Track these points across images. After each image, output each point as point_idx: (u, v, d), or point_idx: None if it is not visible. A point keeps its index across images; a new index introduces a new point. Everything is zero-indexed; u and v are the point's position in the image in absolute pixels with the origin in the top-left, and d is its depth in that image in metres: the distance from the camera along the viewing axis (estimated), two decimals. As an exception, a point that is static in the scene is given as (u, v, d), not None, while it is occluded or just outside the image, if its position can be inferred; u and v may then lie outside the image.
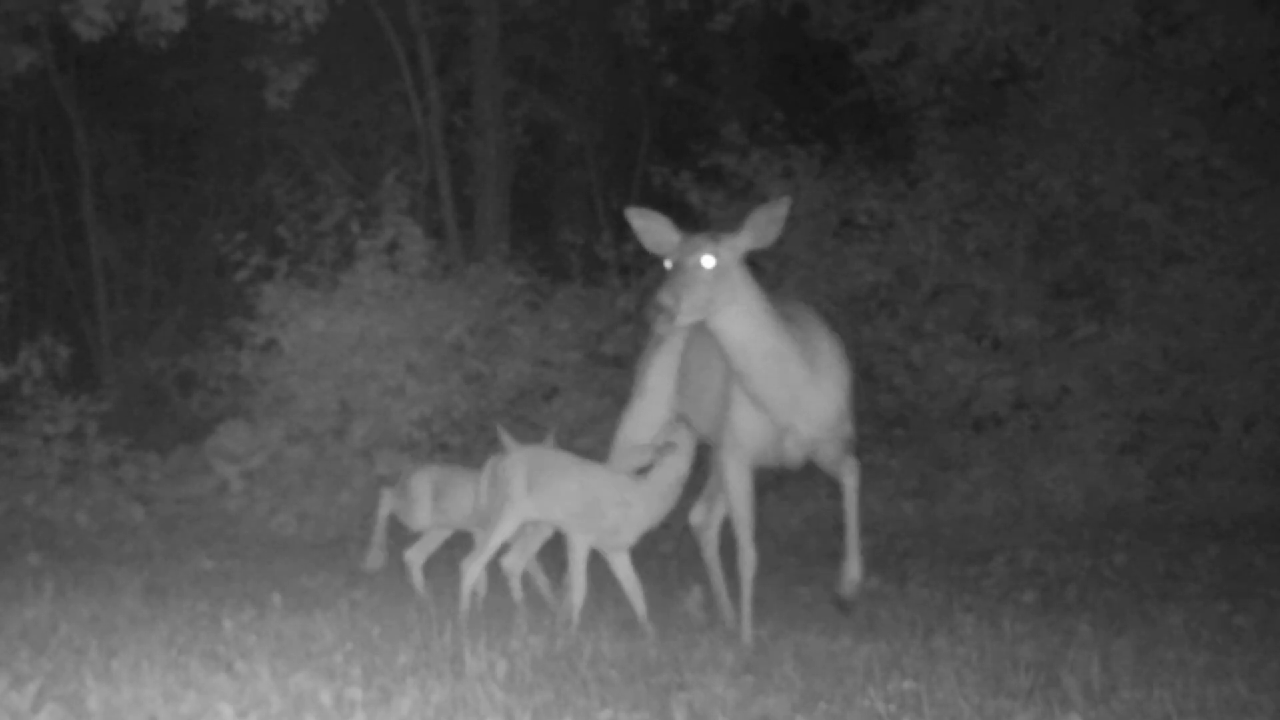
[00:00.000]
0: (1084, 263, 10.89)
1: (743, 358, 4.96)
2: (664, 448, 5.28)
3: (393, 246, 10.39)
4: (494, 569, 5.66)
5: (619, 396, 10.34)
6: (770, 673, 4.53)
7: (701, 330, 5.16)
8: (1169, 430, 10.21)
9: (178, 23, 9.93)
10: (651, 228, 5.04)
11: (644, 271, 10.89)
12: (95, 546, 8.20)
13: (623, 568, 5.38)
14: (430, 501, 5.88)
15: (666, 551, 7.38)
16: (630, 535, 5.36)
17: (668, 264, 4.95)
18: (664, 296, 4.83)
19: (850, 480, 5.22)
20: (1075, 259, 10.93)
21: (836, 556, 7.75)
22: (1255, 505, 9.41)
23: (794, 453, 5.19)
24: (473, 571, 5.33)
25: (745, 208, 10.74)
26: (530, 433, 10.07)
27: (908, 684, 4.29)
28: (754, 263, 11.12)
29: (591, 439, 9.82)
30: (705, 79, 15.74)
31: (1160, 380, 10.36)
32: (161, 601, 5.95)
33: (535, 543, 5.72)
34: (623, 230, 11.72)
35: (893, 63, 11.80)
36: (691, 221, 10.81)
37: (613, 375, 10.52)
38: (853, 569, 5.24)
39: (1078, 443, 10.01)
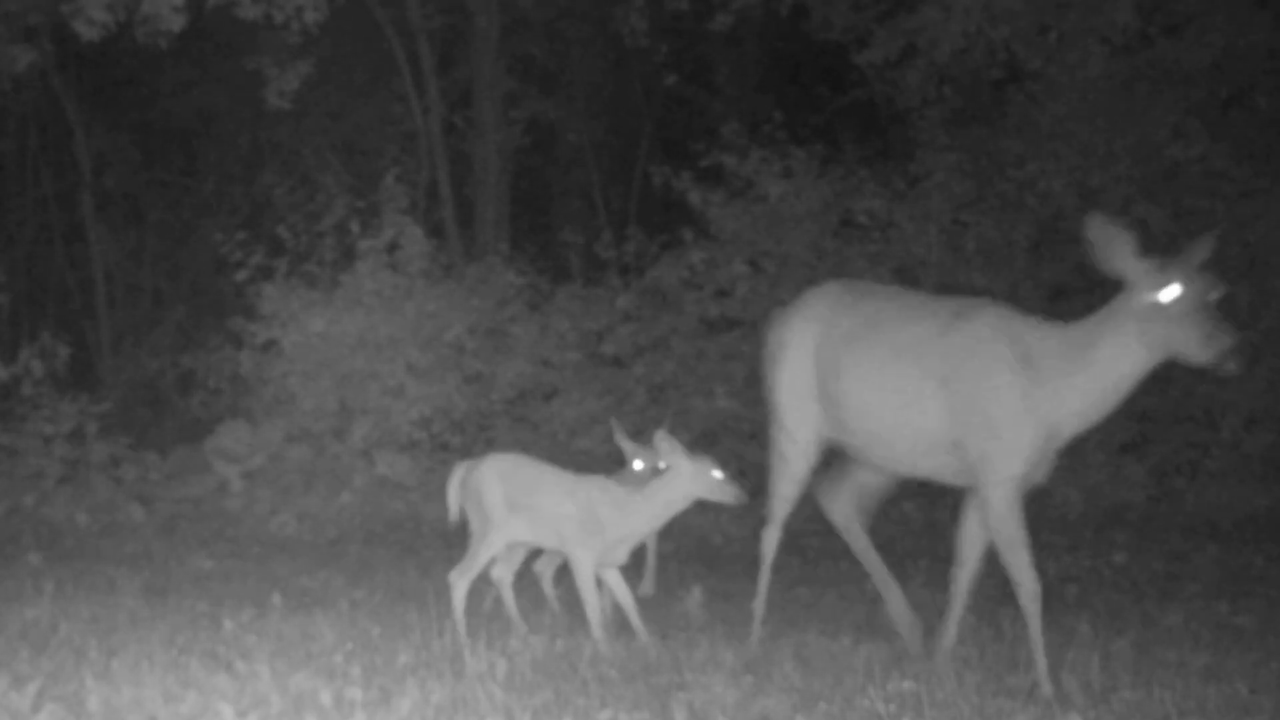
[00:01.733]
0: (1084, 263, 10.87)
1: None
2: (667, 466, 5.12)
3: (393, 246, 10.39)
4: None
5: (619, 396, 10.38)
6: (770, 673, 4.53)
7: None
8: (1169, 430, 10.20)
9: (178, 23, 9.93)
10: (1111, 242, 4.70)
11: (644, 272, 10.90)
12: (95, 546, 8.20)
13: (616, 583, 5.28)
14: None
15: (666, 551, 7.37)
16: (625, 551, 5.23)
17: (1207, 295, 4.58)
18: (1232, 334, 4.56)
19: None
20: (1075, 259, 10.91)
21: (836, 557, 7.79)
22: (1255, 505, 9.40)
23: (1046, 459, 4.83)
24: (461, 585, 5.19)
25: (745, 207, 10.80)
26: (531, 433, 10.10)
27: (908, 684, 4.30)
28: (754, 263, 11.13)
29: (591, 439, 9.82)
30: (705, 79, 15.74)
31: (1160, 380, 10.33)
32: (161, 601, 5.96)
33: (522, 553, 5.66)
34: (622, 230, 11.81)
35: (893, 63, 11.79)
36: (691, 221, 10.83)
37: (613, 375, 10.52)
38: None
39: (1078, 443, 9.96)
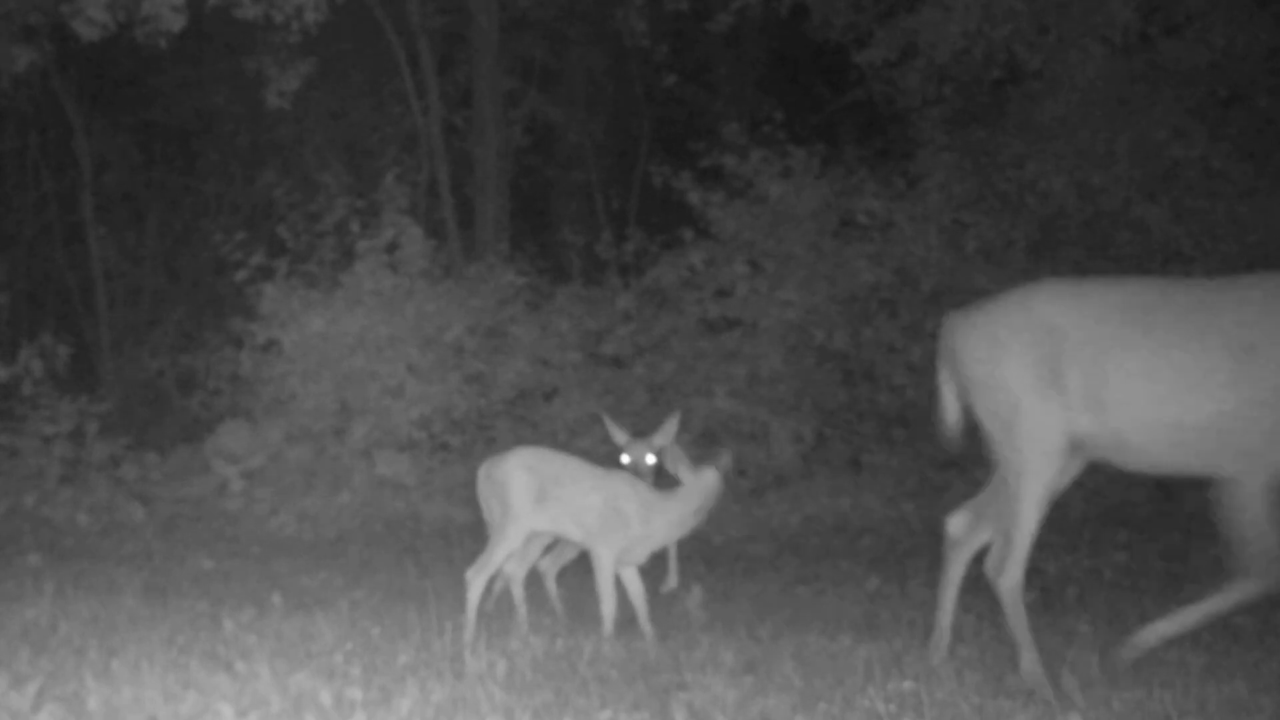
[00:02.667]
0: (1084, 263, 10.89)
1: None
2: (702, 471, 5.19)
3: (393, 246, 10.40)
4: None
5: (619, 396, 10.38)
6: (770, 673, 4.52)
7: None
8: (1169, 430, 10.18)
9: (178, 23, 9.94)
10: None
11: (644, 272, 10.90)
12: (95, 546, 8.20)
13: (631, 581, 5.30)
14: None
15: (665, 551, 7.37)
16: (645, 551, 5.26)
17: None
18: None
19: None
20: (1075, 259, 10.92)
21: (836, 557, 7.79)
22: (1255, 505, 9.38)
23: None
24: (478, 583, 5.19)
25: (745, 207, 10.80)
26: (531, 433, 10.10)
27: (908, 684, 4.29)
28: (754, 263, 11.12)
29: (591, 439, 9.83)
30: (705, 79, 15.75)
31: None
32: (161, 601, 5.95)
33: (537, 549, 5.70)
34: (622, 230, 11.81)
35: (893, 63, 11.80)
36: (691, 221, 10.83)
37: (613, 375, 10.53)
38: None
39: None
